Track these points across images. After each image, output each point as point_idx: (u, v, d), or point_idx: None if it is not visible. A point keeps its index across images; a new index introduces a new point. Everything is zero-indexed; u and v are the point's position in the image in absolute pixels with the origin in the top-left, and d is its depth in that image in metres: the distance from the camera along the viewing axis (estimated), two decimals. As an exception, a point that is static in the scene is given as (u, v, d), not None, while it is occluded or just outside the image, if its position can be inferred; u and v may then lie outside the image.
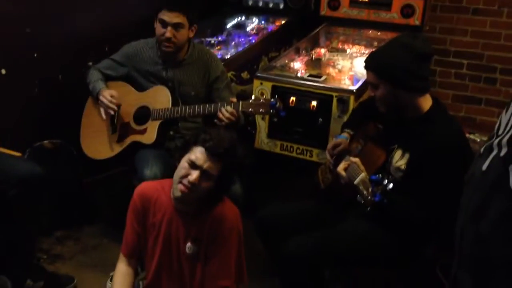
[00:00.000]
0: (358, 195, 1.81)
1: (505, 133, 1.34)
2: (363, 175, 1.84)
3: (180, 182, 1.78)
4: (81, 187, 3.02)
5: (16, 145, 2.44)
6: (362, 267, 2.10)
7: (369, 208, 1.79)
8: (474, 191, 1.38)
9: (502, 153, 1.32)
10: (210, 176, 1.78)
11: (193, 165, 1.77)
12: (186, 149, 1.82)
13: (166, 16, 2.55)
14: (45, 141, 2.81)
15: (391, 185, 1.76)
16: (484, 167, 1.35)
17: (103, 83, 2.70)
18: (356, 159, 1.95)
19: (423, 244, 2.08)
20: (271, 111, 2.33)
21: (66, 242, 2.86)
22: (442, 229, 2.01)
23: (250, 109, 2.36)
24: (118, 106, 2.66)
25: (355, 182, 1.83)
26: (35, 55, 2.85)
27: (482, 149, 1.40)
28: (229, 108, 2.36)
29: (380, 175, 1.82)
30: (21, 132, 2.75)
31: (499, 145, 1.33)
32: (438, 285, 2.18)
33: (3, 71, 2.71)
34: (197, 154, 1.77)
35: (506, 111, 1.40)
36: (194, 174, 1.76)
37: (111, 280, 2.05)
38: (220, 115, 2.37)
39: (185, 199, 1.82)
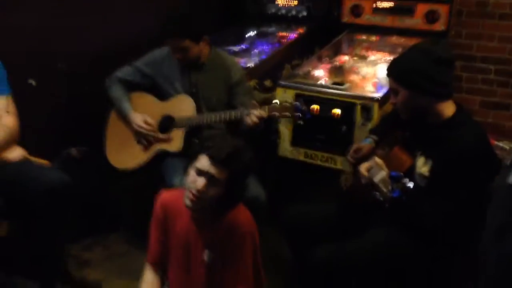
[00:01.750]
0: (377, 193, 1.81)
1: None
2: (384, 173, 1.83)
3: (189, 191, 1.80)
4: (107, 194, 3.07)
5: (44, 154, 2.49)
6: (386, 276, 2.08)
7: (387, 205, 1.78)
8: (498, 206, 1.35)
9: None
10: (216, 182, 1.78)
11: (199, 172, 1.79)
12: (194, 158, 1.84)
13: (169, 44, 2.61)
14: (72, 149, 2.86)
15: (411, 184, 1.74)
16: (511, 180, 1.31)
17: (129, 103, 2.73)
18: (380, 160, 1.94)
19: (449, 251, 2.04)
20: (296, 114, 2.33)
21: (94, 248, 2.91)
22: (466, 237, 1.98)
23: (275, 113, 2.37)
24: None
25: (376, 180, 1.82)
26: (62, 65, 2.91)
27: (509, 162, 1.37)
28: (260, 111, 2.36)
29: (402, 173, 1.81)
30: (49, 141, 2.81)
31: None
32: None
33: (31, 81, 2.78)
34: (202, 161, 1.79)
35: None
36: (201, 181, 1.77)
37: (138, 289, 2.08)
38: (249, 120, 2.37)
39: (195, 207, 1.83)
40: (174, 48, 2.60)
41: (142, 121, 2.66)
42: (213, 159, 1.77)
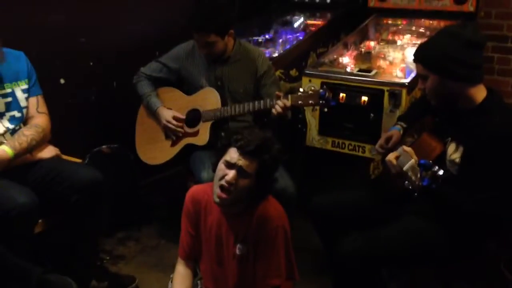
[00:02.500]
0: (406, 181, 1.78)
1: None
2: (412, 161, 1.80)
3: (220, 186, 1.81)
4: (138, 189, 3.12)
5: (77, 152, 2.55)
6: (418, 265, 2.06)
7: (416, 194, 1.76)
8: None
9: None
10: (246, 174, 1.79)
11: (228, 165, 1.80)
12: (222, 152, 1.85)
13: (196, 36, 2.60)
14: (103, 146, 2.91)
15: (441, 172, 1.71)
16: None
17: (158, 99, 2.76)
18: (409, 148, 1.91)
19: (484, 239, 2.00)
20: (320, 102, 2.31)
21: (127, 243, 2.96)
22: (504, 224, 1.94)
23: (299, 102, 2.35)
24: (169, 110, 2.73)
25: (405, 168, 1.79)
26: (91, 63, 2.96)
27: None
28: (284, 100, 2.35)
29: (431, 161, 1.78)
30: (80, 139, 2.87)
31: None
32: (503, 281, 2.10)
33: (62, 81, 2.84)
34: (231, 154, 1.80)
35: None
36: (231, 173, 1.78)
37: (171, 282, 2.11)
38: (274, 110, 2.37)
39: (224, 203, 1.84)
40: (200, 43, 2.61)
41: (170, 117, 2.69)
42: (242, 151, 1.78)
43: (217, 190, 1.81)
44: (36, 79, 2.33)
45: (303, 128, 3.01)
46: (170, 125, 2.69)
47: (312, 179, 2.96)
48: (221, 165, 1.83)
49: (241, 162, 1.78)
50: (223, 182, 1.79)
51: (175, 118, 2.69)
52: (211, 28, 2.54)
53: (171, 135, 2.74)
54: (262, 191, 1.90)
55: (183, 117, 2.71)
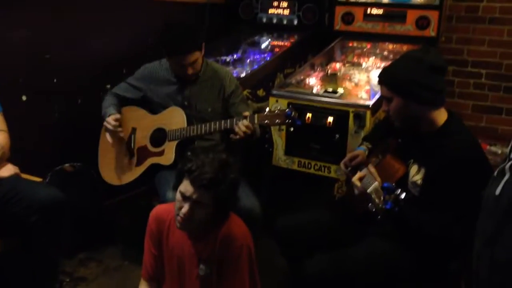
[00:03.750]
0: (370, 204, 1.80)
1: None
2: (376, 183, 1.83)
3: (178, 215, 1.79)
4: (101, 209, 3.05)
5: (37, 170, 2.48)
6: (383, 286, 2.07)
7: (379, 217, 1.78)
8: (489, 216, 1.36)
9: None
10: (202, 205, 1.76)
11: (183, 197, 1.76)
12: (179, 179, 1.80)
13: (180, 58, 2.56)
14: (66, 165, 2.85)
15: (403, 195, 1.74)
16: (497, 191, 1.32)
17: (113, 109, 2.72)
18: (373, 169, 1.93)
19: (447, 260, 2.03)
20: (286, 121, 2.32)
21: (88, 264, 2.88)
22: (466, 245, 1.97)
23: (266, 121, 2.37)
24: (134, 129, 2.70)
25: (368, 190, 1.82)
26: (55, 80, 2.91)
27: (496, 172, 1.37)
28: (245, 121, 2.37)
29: (394, 184, 1.80)
30: (42, 157, 2.79)
31: (511, 169, 1.30)
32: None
33: (24, 98, 2.77)
34: (186, 186, 1.75)
35: None
36: (186, 206, 1.75)
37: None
38: (237, 129, 2.38)
39: (185, 229, 1.83)
40: (185, 64, 2.57)
41: (111, 119, 2.65)
42: (195, 185, 1.73)
43: (177, 218, 1.79)
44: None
45: (270, 148, 3.02)
46: (108, 126, 2.65)
47: (278, 199, 2.96)
48: (178, 195, 1.79)
49: (195, 195, 1.73)
50: (180, 214, 1.77)
51: (114, 119, 2.65)
52: (194, 47, 2.54)
53: (131, 149, 2.69)
54: (223, 214, 1.88)
55: (145, 134, 2.67)
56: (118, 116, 2.69)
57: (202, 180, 1.71)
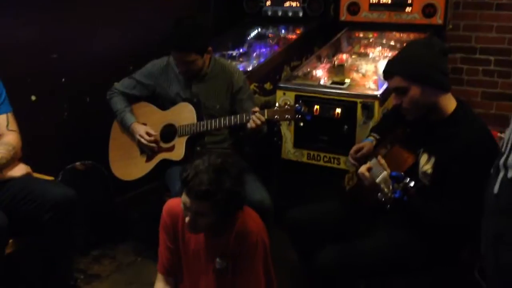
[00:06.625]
0: (379, 193, 1.79)
1: (507, 151, 1.29)
2: (385, 173, 1.81)
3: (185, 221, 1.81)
4: (113, 206, 3.07)
5: (49, 169, 2.50)
6: (395, 276, 2.07)
7: (389, 206, 1.77)
8: (490, 215, 1.34)
9: (510, 174, 1.26)
10: (203, 214, 1.75)
11: (184, 207, 1.77)
12: (184, 186, 1.77)
13: (176, 55, 2.60)
14: (77, 163, 2.87)
15: (412, 183, 1.73)
16: (496, 190, 1.30)
17: (132, 115, 2.74)
18: (381, 159, 1.92)
19: (458, 248, 2.03)
20: (296, 116, 2.32)
21: (102, 261, 2.91)
22: (477, 232, 1.97)
23: (276, 116, 2.37)
24: (144, 125, 2.71)
25: (377, 180, 1.81)
26: (63, 79, 2.93)
27: (492, 169, 1.35)
28: (258, 115, 2.36)
29: (403, 173, 1.79)
30: (53, 156, 2.82)
31: (505, 165, 1.28)
32: (477, 288, 2.13)
33: (33, 98, 2.79)
34: (184, 196, 1.76)
35: (509, 126, 1.35)
36: (188, 217, 1.77)
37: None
38: (251, 121, 2.37)
39: (196, 233, 1.86)
40: (179, 61, 2.61)
41: (144, 132, 2.67)
42: (191, 197, 1.72)
43: (185, 223, 1.81)
44: (6, 97, 2.29)
45: (279, 141, 3.02)
46: (143, 140, 2.67)
47: (289, 192, 2.97)
48: (182, 204, 1.79)
49: (194, 206, 1.73)
50: (186, 221, 1.78)
51: (148, 133, 2.67)
52: (191, 48, 2.54)
53: (146, 150, 2.72)
54: (229, 217, 1.86)
55: (156, 133, 2.69)
56: (149, 129, 2.68)
57: (196, 192, 1.70)
